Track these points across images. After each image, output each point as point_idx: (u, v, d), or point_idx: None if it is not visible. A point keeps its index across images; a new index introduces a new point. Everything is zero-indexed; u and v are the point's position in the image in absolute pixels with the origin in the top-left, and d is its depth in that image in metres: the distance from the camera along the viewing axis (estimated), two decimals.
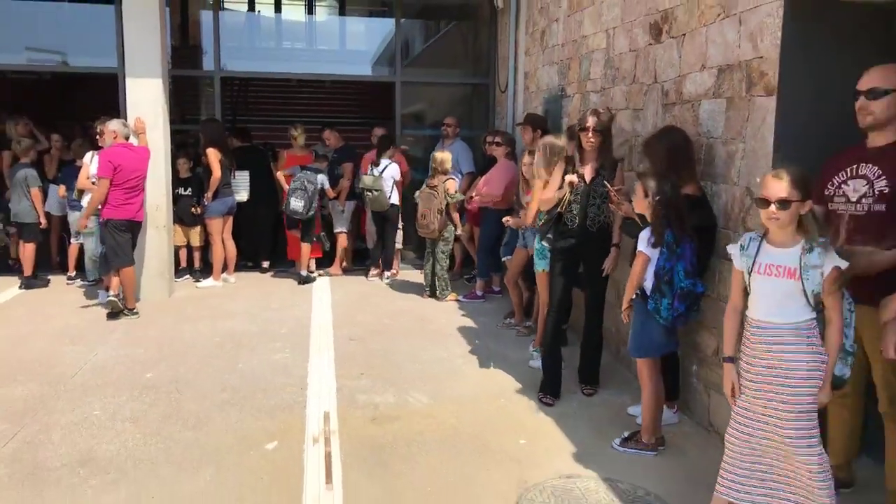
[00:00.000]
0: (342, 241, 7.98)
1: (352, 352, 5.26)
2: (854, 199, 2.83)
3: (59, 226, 7.82)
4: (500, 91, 8.08)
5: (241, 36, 9.68)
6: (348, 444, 3.71)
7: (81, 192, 6.53)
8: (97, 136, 6.44)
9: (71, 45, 8.32)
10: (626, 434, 3.71)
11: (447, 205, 6.76)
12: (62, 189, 7.23)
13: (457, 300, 6.86)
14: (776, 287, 2.57)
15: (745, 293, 2.71)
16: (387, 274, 7.72)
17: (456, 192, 6.90)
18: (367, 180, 7.28)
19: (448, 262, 7.02)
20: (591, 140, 4.07)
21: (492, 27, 8.31)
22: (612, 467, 3.45)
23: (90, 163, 6.48)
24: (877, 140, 2.80)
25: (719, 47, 3.71)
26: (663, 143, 3.67)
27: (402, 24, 8.72)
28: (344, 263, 8.08)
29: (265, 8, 10.14)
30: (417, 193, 6.96)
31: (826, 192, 2.94)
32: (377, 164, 7.33)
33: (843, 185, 2.88)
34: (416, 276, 7.61)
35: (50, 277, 7.36)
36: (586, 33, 5.55)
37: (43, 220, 7.03)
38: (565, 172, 4.12)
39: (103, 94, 8.89)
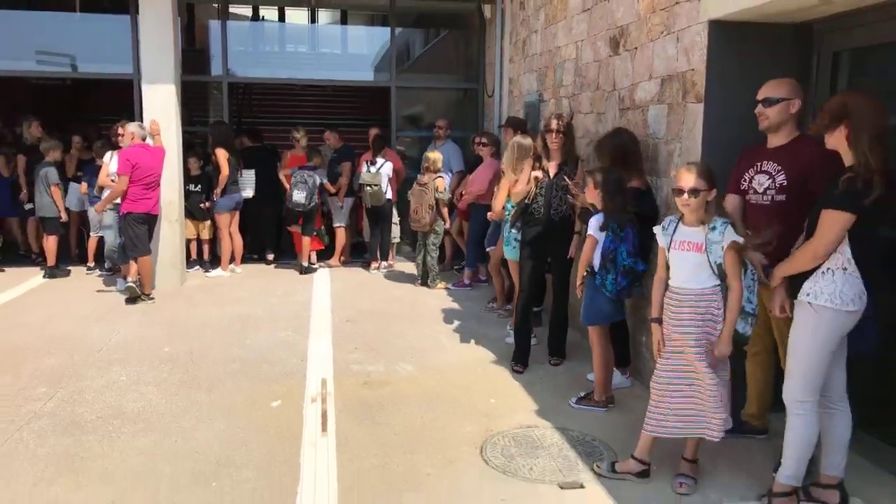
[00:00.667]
0: (341, 235, 8.58)
1: (348, 331, 5.85)
2: (760, 192, 3.41)
3: (77, 220, 8.43)
4: (487, 95, 8.68)
5: (248, 42, 10.28)
6: (342, 402, 4.30)
7: (102, 189, 7.13)
8: (117, 137, 7.04)
9: (88, 53, 8.93)
10: (581, 394, 4.29)
11: (437, 200, 7.35)
12: (84, 186, 7.83)
13: (446, 288, 7.44)
14: (687, 259, 3.16)
15: (667, 266, 3.29)
16: (384, 265, 8.31)
17: (445, 189, 7.48)
18: (366, 177, 7.87)
19: (438, 253, 7.61)
20: (555, 140, 4.65)
21: (480, 36, 8.91)
22: (566, 420, 4.04)
23: (109, 161, 7.10)
24: (774, 141, 3.38)
25: (662, 60, 4.30)
26: (611, 143, 4.26)
27: (401, 32, 9.31)
28: (343, 256, 8.67)
29: (269, 13, 10.73)
30: (410, 192, 7.56)
31: (742, 186, 3.52)
32: (373, 163, 7.93)
33: (752, 180, 3.46)
34: (411, 268, 8.19)
35: (70, 268, 7.96)
36: (559, 44, 6.14)
37: (63, 215, 7.64)
38: (533, 169, 4.70)
39: (115, 98, 9.56)
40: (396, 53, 9.19)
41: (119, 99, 9.19)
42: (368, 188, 7.87)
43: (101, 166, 7.29)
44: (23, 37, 8.67)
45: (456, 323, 6.11)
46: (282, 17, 10.50)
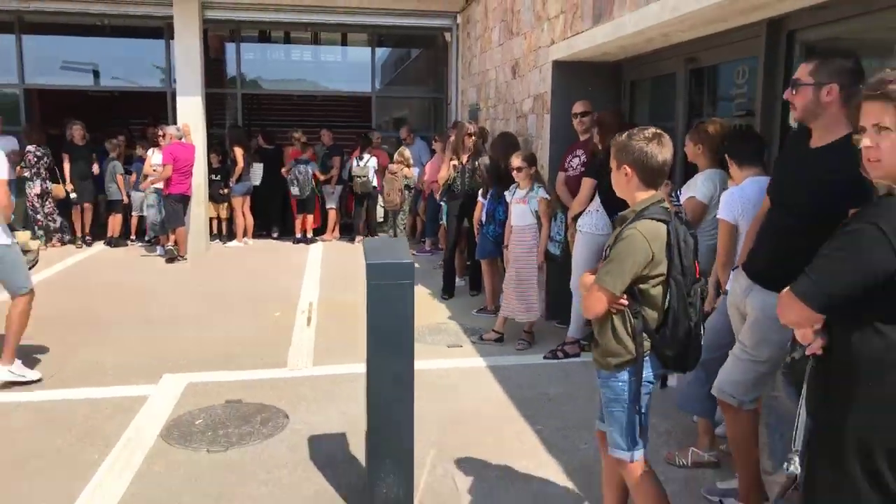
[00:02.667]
0: (332, 216, 10.74)
1: (331, 278, 8.01)
2: (572, 169, 5.56)
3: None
4: (446, 103, 10.85)
5: (257, 61, 12.47)
6: (322, 313, 6.48)
7: (146, 177, 9.31)
8: (158, 137, 9.22)
9: (130, 70, 11.15)
10: (481, 307, 6.46)
11: (405, 185, 9.51)
12: (133, 177, 10.00)
13: (412, 254, 9.58)
14: (519, 208, 5.33)
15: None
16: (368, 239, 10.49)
17: (413, 177, 9.63)
18: (356, 169, 10.03)
19: (405, 227, 9.76)
20: (468, 140, 6.80)
21: (443, 57, 11.07)
22: (466, 321, 6.19)
23: (152, 156, 9.29)
24: (582, 137, 5.52)
25: (534, 85, 6.45)
26: (498, 140, 6.40)
27: (384, 51, 11.45)
28: (334, 232, 10.83)
29: (276, 32, 12.89)
30: (384, 179, 9.72)
31: (564, 166, 5.66)
32: (361, 158, 10.09)
33: (570, 162, 5.61)
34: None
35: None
36: (487, 68, 8.30)
37: (125, 198, 9.83)
38: (451, 160, 6.86)
39: (140, 106, 11.79)
40: (382, 69, 11.35)
41: (143, 107, 11.44)
42: (358, 178, 10.03)
43: (144, 160, 9.48)
44: (79, 57, 10.90)
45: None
46: (287, 39, 12.66)
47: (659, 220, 2.32)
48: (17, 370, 4.59)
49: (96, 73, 11.36)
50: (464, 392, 4.61)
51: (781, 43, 3.86)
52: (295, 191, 9.88)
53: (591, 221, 4.95)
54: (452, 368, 5.06)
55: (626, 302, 2.34)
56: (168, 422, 4.06)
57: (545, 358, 5.17)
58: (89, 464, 3.54)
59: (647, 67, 5.66)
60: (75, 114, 10.14)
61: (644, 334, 2.35)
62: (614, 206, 4.40)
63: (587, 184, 4.90)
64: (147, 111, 11.81)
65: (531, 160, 5.30)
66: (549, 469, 3.54)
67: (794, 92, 2.60)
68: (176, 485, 3.36)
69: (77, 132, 9.82)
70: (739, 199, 3.23)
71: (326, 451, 3.72)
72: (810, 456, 1.91)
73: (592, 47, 5.17)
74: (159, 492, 3.30)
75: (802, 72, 2.59)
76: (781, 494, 2.15)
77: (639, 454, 2.47)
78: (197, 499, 3.24)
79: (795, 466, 1.93)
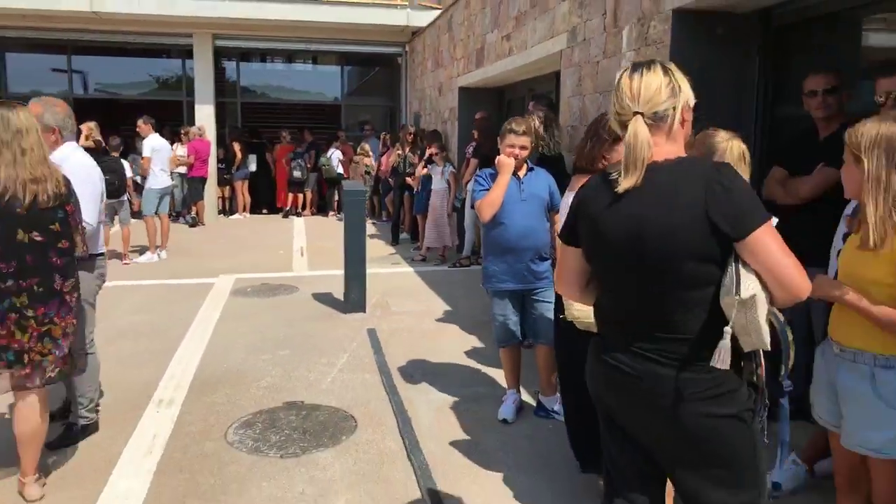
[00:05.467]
0: (309, 196, 13.99)
1: (313, 235, 11.29)
2: (468, 154, 8.94)
3: None
4: (398, 110, 14.21)
5: (254, 76, 15.66)
6: (309, 250, 9.76)
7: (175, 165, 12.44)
8: (182, 135, 12.36)
9: (153, 84, 14.27)
10: (416, 246, 9.81)
11: (366, 171, 12.81)
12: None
13: (372, 223, 12.89)
14: (437, 178, 8.70)
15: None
16: (340, 215, 13.73)
17: (371, 164, 12.95)
18: (322, 160, 13.32)
19: (367, 204, 13.05)
20: (408, 138, 10.15)
21: (397, 74, 14.42)
22: (406, 254, 9.53)
23: (176, 150, 12.43)
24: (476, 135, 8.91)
25: (450, 101, 9.83)
26: (428, 134, 9.74)
27: (350, 69, 14.77)
28: (312, 209, 14.08)
29: (269, 53, 16.09)
30: (350, 166, 13.02)
31: (465, 151, 9.03)
32: (326, 151, 13.37)
33: (466, 150, 8.97)
34: None
35: None
36: (424, 86, 11.68)
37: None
38: (394, 151, 10.21)
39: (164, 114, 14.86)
40: (348, 83, 14.63)
41: (162, 113, 14.54)
42: (323, 167, 13.32)
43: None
44: (112, 74, 14.00)
45: (377, 235, 11.58)
46: (273, 61, 15.90)
47: None
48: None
49: (126, 86, 14.45)
50: (398, 280, 7.96)
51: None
52: (297, 174, 13.13)
53: (472, 187, 8.32)
54: (394, 272, 8.39)
55: None
56: (231, 289, 7.33)
57: (450, 267, 8.54)
58: (198, 300, 6.79)
59: (514, 92, 9.09)
60: (106, 119, 13.21)
61: None
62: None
63: (472, 163, 8.28)
64: (166, 117, 14.89)
65: (443, 148, 8.66)
66: (438, 301, 6.89)
67: None
68: (244, 308, 6.63)
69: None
70: None
71: (320, 298, 7.02)
72: None
73: (478, 80, 8.58)
74: (235, 311, 6.55)
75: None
76: None
77: None
78: (257, 311, 6.52)
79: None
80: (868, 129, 2.18)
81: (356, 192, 6.54)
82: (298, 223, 12.82)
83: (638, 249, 1.76)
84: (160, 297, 6.99)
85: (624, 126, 1.80)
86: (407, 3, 12.55)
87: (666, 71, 1.81)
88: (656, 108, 1.78)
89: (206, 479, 3.32)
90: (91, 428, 3.70)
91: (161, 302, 6.78)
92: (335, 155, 13.42)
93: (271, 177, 14.03)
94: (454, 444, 3.71)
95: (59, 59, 13.26)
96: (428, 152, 8.69)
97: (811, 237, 2.63)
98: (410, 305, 6.76)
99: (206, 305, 6.64)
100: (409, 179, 9.66)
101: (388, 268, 8.65)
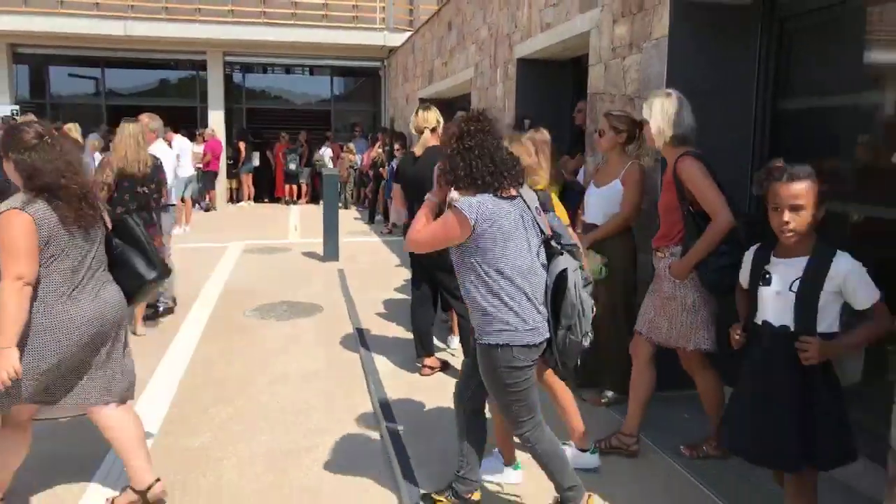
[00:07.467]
0: (304, 187, 16.54)
1: (306, 219, 13.82)
2: None
3: None
4: (380, 115, 16.76)
5: (258, 85, 18.21)
6: (302, 226, 12.31)
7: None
8: (198, 136, 14.91)
9: (173, 92, 16.85)
10: (386, 224, 12.37)
11: (351, 166, 15.36)
12: None
13: (357, 209, 15.44)
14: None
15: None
16: None
17: (356, 161, 15.50)
18: (315, 156, 15.88)
19: (352, 194, 15.62)
20: (384, 139, 12.69)
21: (378, 84, 16.97)
22: (377, 230, 12.07)
23: (193, 148, 14.98)
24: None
25: (412, 109, 12.38)
26: (394, 135, 12.28)
27: (339, 80, 17.35)
28: (306, 198, 16.62)
29: (270, 66, 18.64)
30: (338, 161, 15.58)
31: None
32: (319, 149, 15.93)
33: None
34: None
35: None
36: (398, 96, 14.22)
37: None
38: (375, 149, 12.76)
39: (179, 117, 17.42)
40: (338, 91, 17.19)
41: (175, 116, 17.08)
42: (316, 162, 15.88)
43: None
44: (138, 84, 16.57)
45: (354, 215, 14.13)
46: (288, 71, 18.46)
47: None
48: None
49: (148, 94, 17.01)
50: (368, 246, 10.50)
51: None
52: (292, 167, 15.69)
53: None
54: (366, 241, 10.95)
55: None
56: (242, 249, 9.87)
57: None
58: (217, 257, 9.33)
59: (457, 104, 11.61)
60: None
61: None
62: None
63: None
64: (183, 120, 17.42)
65: (404, 145, 11.19)
66: (392, 256, 9.43)
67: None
68: (253, 260, 9.17)
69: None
70: None
71: (307, 254, 9.55)
72: None
73: (431, 93, 11.14)
74: (246, 261, 9.09)
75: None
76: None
77: None
78: (262, 260, 9.06)
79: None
80: None
81: (331, 177, 9.12)
82: (294, 209, 15.37)
83: None
84: (190, 255, 9.55)
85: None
86: (384, 27, 15.12)
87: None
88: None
89: (231, 330, 5.88)
90: (168, 311, 6.24)
91: (193, 256, 9.34)
92: (326, 152, 15.97)
93: (272, 171, 16.57)
94: (378, 314, 6.29)
95: (94, 71, 15.83)
96: (398, 146, 11.22)
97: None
98: (371, 259, 9.32)
99: (226, 258, 9.20)
100: (382, 171, 12.21)
101: (361, 238, 11.20)
